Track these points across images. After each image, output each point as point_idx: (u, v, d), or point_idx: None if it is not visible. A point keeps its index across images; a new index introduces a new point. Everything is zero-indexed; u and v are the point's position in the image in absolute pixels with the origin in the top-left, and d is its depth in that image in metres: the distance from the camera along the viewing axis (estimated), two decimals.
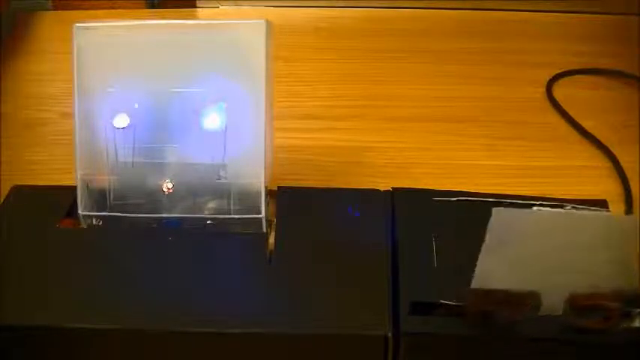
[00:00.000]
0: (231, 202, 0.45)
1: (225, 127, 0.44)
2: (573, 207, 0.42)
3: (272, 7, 0.82)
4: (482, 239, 0.43)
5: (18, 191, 0.47)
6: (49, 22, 0.78)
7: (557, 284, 0.38)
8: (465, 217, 0.45)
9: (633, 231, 0.37)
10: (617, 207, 0.53)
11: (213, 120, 0.44)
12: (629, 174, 0.57)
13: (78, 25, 0.44)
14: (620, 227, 0.38)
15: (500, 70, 0.70)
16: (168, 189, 0.45)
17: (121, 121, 0.44)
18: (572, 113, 0.64)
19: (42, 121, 0.63)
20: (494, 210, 0.36)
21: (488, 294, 0.38)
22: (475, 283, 0.38)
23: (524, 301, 0.38)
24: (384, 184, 0.47)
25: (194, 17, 0.81)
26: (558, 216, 0.37)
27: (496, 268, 0.37)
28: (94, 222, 0.45)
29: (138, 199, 0.45)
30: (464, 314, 0.39)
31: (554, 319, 0.38)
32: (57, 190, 0.46)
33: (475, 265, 0.40)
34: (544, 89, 0.67)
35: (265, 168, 0.44)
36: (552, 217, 0.37)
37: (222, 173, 0.45)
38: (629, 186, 0.56)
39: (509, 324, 0.38)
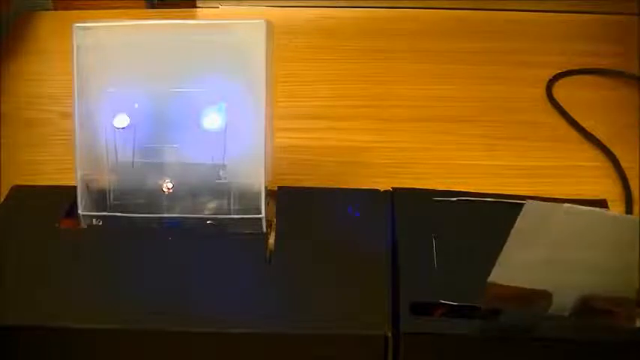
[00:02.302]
0: (231, 202, 0.45)
1: (225, 127, 0.44)
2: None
3: (272, 7, 0.82)
4: (482, 239, 0.43)
5: (18, 191, 0.47)
6: (49, 22, 0.78)
7: (570, 284, 0.38)
8: (465, 217, 0.45)
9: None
10: (617, 207, 0.53)
11: (213, 120, 0.44)
12: (629, 174, 0.57)
13: (78, 25, 0.44)
14: None
15: (500, 70, 0.70)
16: (168, 189, 0.45)
17: (121, 121, 0.44)
18: (572, 113, 0.64)
19: (42, 121, 0.63)
20: (528, 202, 0.36)
21: (503, 289, 0.37)
22: (494, 276, 0.37)
23: (535, 299, 0.38)
24: (384, 184, 0.47)
25: (194, 17, 0.81)
26: (589, 215, 0.37)
27: (517, 261, 0.37)
28: (94, 222, 0.45)
29: (138, 199, 0.45)
30: (473, 311, 0.38)
31: (558, 320, 0.38)
32: (57, 190, 0.46)
33: (475, 265, 0.39)
34: (544, 89, 0.67)
35: (265, 168, 0.44)
36: (583, 215, 0.37)
37: (222, 173, 0.45)
38: (629, 186, 0.56)
39: (515, 323, 0.38)
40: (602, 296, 0.38)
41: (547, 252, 0.37)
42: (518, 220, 0.36)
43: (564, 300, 0.38)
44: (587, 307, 0.38)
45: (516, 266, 0.37)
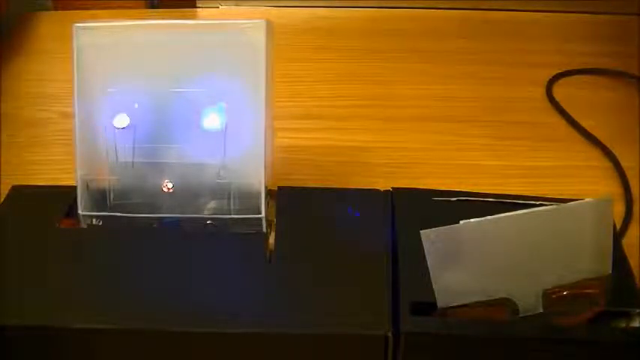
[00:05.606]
0: (231, 202, 0.45)
1: (225, 127, 0.44)
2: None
3: (272, 7, 0.82)
4: None
5: (18, 191, 0.47)
6: (49, 22, 0.79)
7: (529, 283, 0.38)
8: (465, 217, 0.45)
9: (607, 214, 0.39)
10: (617, 207, 0.53)
11: (213, 120, 0.44)
12: (629, 174, 0.57)
13: (78, 25, 0.44)
14: (582, 214, 0.39)
15: (500, 70, 0.71)
16: (169, 189, 0.45)
17: (121, 121, 0.44)
18: (572, 113, 0.64)
19: (42, 121, 0.63)
20: (422, 233, 0.37)
21: (461, 309, 0.38)
22: (441, 303, 0.38)
23: (498, 308, 0.38)
24: (384, 184, 0.47)
25: (194, 17, 0.81)
26: (490, 222, 0.37)
27: (453, 284, 0.38)
28: (94, 222, 0.45)
29: (138, 199, 0.45)
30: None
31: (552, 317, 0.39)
32: (57, 190, 0.46)
33: None
34: (544, 89, 0.67)
35: (265, 168, 0.44)
36: (483, 225, 0.38)
37: (222, 173, 0.45)
38: (629, 186, 0.56)
39: (514, 323, 0.39)
40: (560, 286, 0.39)
41: (474, 265, 0.38)
42: (425, 250, 0.37)
43: (531, 299, 0.39)
44: (553, 300, 0.39)
45: (452, 286, 0.38)
